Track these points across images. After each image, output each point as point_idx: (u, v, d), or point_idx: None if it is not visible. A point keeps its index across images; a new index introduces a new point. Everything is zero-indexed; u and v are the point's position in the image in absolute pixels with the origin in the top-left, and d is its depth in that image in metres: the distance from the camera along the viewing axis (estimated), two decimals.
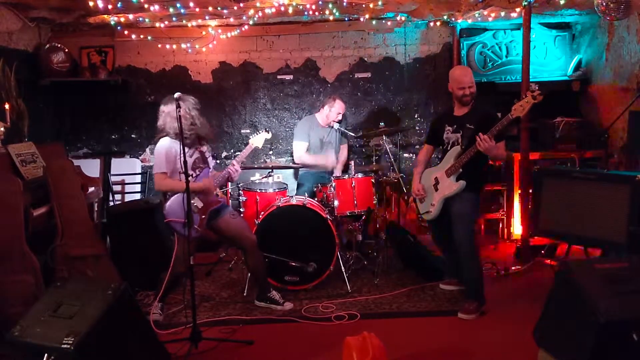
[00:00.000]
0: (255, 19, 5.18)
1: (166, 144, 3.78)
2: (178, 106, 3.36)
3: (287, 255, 4.18)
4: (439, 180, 3.87)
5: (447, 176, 3.79)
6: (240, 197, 4.56)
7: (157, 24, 5.32)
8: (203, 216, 3.82)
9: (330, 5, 4.89)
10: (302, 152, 5.11)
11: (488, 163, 3.99)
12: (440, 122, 4.04)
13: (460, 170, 3.74)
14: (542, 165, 4.45)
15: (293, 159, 5.39)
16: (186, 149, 3.78)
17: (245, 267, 4.17)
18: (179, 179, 3.68)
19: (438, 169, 3.92)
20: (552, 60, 5.70)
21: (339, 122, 5.17)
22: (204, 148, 3.98)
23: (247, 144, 4.14)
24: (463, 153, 3.72)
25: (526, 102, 3.46)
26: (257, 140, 4.12)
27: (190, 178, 3.78)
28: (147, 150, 5.93)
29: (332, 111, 5.08)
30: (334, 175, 4.76)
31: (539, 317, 2.86)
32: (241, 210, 4.51)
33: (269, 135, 4.20)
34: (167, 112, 3.74)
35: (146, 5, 4.47)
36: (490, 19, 5.36)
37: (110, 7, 4.32)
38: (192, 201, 3.77)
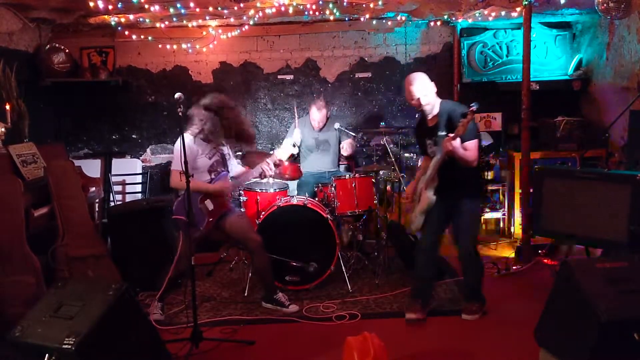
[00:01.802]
0: (256, 19, 5.18)
1: (186, 142, 3.76)
2: (179, 106, 3.36)
3: (288, 255, 4.18)
4: (421, 192, 3.72)
5: (426, 188, 3.63)
6: (241, 197, 4.56)
7: (158, 25, 5.32)
8: (211, 219, 3.81)
9: (330, 5, 4.89)
10: (286, 148, 5.03)
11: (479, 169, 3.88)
12: (420, 134, 3.84)
13: (436, 182, 3.57)
14: (542, 165, 4.44)
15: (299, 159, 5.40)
16: (206, 150, 3.81)
17: (252, 268, 4.17)
18: (195, 178, 3.70)
19: (423, 180, 3.74)
20: (552, 60, 5.70)
21: (326, 121, 5.10)
22: (225, 149, 3.98)
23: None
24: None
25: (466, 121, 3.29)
26: (281, 153, 4.09)
27: (206, 179, 3.80)
28: (148, 150, 5.94)
29: (313, 121, 5.05)
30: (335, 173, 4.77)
31: (540, 317, 2.86)
32: (242, 210, 4.51)
33: (295, 150, 4.17)
34: (195, 112, 3.76)
35: (146, 6, 4.47)
36: (490, 18, 5.35)
37: (110, 7, 4.33)
38: (204, 202, 3.79)
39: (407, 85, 3.66)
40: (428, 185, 3.61)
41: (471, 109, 3.29)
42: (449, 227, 3.81)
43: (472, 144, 3.50)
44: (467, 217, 3.66)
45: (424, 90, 3.62)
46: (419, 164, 5.88)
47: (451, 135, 3.36)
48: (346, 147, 5.17)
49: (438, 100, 3.68)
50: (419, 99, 3.61)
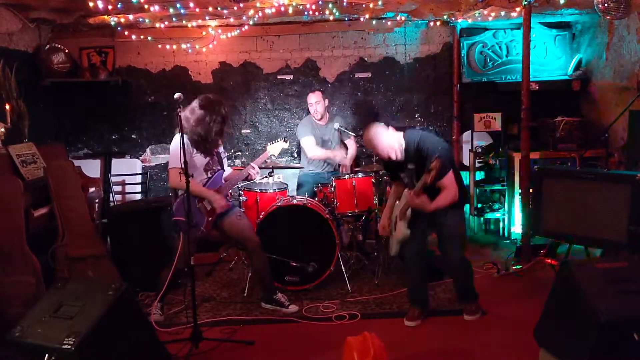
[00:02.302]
0: (255, 19, 5.18)
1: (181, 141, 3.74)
2: (178, 106, 3.36)
3: (287, 255, 4.18)
4: (396, 221, 3.72)
5: (400, 219, 3.63)
6: (241, 197, 4.56)
7: (157, 25, 5.32)
8: (210, 218, 3.81)
9: (330, 5, 4.89)
10: (313, 145, 5.06)
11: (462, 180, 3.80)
12: (389, 166, 3.79)
13: (410, 216, 3.56)
14: (542, 165, 4.45)
15: (300, 159, 5.40)
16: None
17: (251, 268, 4.17)
18: (193, 177, 3.66)
19: (397, 206, 3.74)
20: (552, 60, 5.70)
21: (322, 113, 5.12)
22: (220, 149, 3.97)
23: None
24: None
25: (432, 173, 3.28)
26: (274, 148, 4.12)
27: (203, 178, 3.79)
28: (148, 150, 5.93)
29: (311, 106, 5.10)
30: (341, 171, 4.77)
31: (540, 317, 2.87)
32: (241, 210, 4.50)
33: (286, 145, 4.20)
34: (188, 111, 3.73)
35: (146, 6, 4.47)
36: (490, 18, 5.35)
37: (110, 7, 4.32)
38: (202, 202, 3.78)
39: (374, 149, 3.63)
40: (402, 216, 3.60)
41: (433, 163, 3.25)
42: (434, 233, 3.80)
43: (448, 180, 3.47)
44: (452, 229, 3.65)
45: (389, 143, 3.53)
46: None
47: (421, 184, 3.34)
48: (348, 159, 5.16)
49: (401, 137, 3.58)
50: (389, 155, 3.55)
